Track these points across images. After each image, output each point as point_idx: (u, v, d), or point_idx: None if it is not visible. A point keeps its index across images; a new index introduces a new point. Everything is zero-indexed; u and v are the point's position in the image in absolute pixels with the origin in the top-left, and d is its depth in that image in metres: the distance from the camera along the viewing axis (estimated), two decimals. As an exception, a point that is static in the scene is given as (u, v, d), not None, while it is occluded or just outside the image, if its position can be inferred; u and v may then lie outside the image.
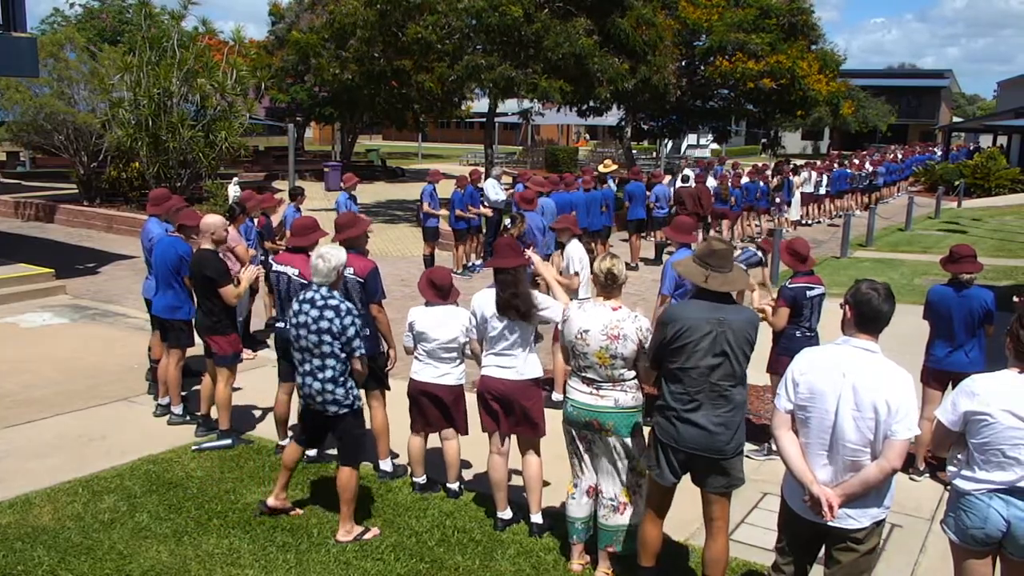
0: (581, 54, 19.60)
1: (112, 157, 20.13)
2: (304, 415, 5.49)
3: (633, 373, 4.77)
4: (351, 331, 5.14)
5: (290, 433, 6.45)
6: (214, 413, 7.06)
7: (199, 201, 18.75)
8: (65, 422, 7.39)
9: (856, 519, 3.78)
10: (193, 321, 7.20)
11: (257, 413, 7.61)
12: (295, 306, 5.24)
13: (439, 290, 5.70)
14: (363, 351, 5.26)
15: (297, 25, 28.51)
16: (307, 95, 32.58)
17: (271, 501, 5.60)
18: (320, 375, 5.20)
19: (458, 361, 5.80)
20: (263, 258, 10.22)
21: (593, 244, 13.60)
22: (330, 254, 5.19)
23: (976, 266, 6.49)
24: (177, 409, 7.40)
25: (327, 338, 5.12)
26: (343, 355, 5.18)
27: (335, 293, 5.21)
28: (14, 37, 12.73)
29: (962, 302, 6.42)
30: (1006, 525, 3.72)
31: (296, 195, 11.49)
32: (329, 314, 5.09)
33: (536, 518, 5.46)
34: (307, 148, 47.94)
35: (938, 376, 6.54)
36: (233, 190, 17.23)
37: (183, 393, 7.51)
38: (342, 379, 5.23)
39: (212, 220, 6.95)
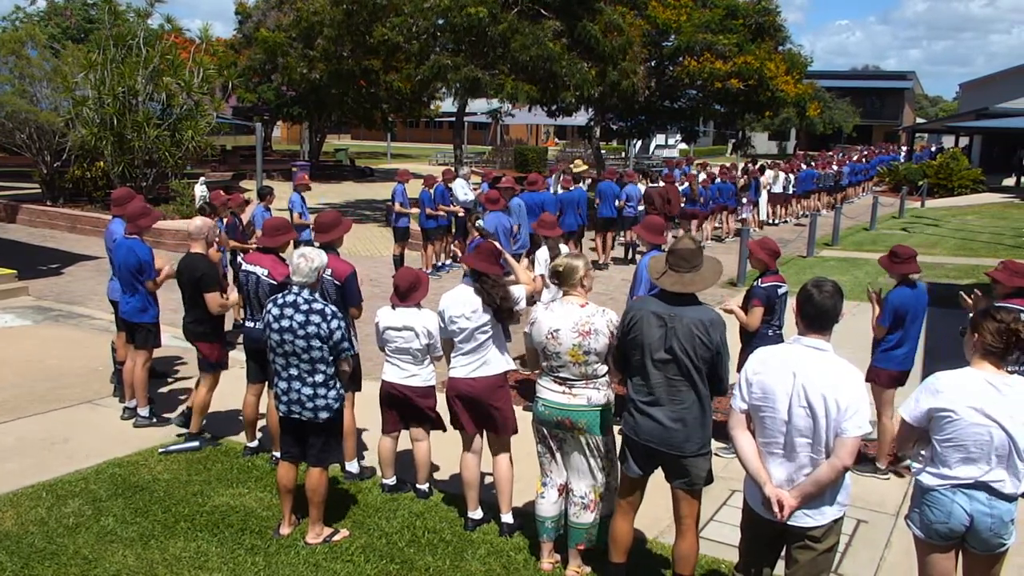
0: (548, 57, 19.61)
1: (76, 156, 19.85)
2: (287, 427, 5.33)
3: (605, 368, 4.80)
4: (338, 334, 5.08)
5: (277, 454, 6.23)
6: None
7: (165, 201, 18.56)
8: (27, 425, 7.27)
9: (812, 518, 3.82)
10: (157, 324, 7.11)
11: (225, 415, 7.54)
12: (274, 310, 5.12)
13: (396, 291, 5.68)
14: (351, 352, 5.23)
15: (264, 24, 28.26)
16: (274, 94, 32.36)
17: (284, 530, 5.43)
18: (310, 379, 5.11)
19: (425, 362, 5.78)
20: (230, 257, 10.14)
21: (558, 246, 13.62)
22: (312, 254, 5.13)
23: (917, 266, 6.64)
24: (144, 411, 7.31)
25: (316, 343, 5.04)
26: (331, 358, 5.14)
27: (316, 296, 5.14)
28: (-26, 34, 12.51)
29: (918, 302, 6.56)
30: (969, 520, 3.78)
31: (265, 195, 11.40)
32: (315, 318, 5.02)
33: (507, 518, 5.47)
34: (275, 148, 47.57)
35: (900, 377, 6.63)
36: (200, 190, 17.08)
37: (149, 395, 7.42)
38: (332, 382, 5.18)
39: (203, 223, 6.80)
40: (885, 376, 6.63)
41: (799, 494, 3.78)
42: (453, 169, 17.07)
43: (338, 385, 5.23)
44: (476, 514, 5.55)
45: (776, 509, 3.79)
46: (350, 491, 6.07)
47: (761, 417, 3.88)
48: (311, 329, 5.02)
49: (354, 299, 6.16)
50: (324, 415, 5.16)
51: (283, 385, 5.19)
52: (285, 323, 5.06)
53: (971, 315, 4.10)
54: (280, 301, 5.14)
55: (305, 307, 5.04)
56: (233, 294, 6.93)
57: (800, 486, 3.79)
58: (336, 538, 5.37)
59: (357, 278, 6.22)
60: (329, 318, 5.05)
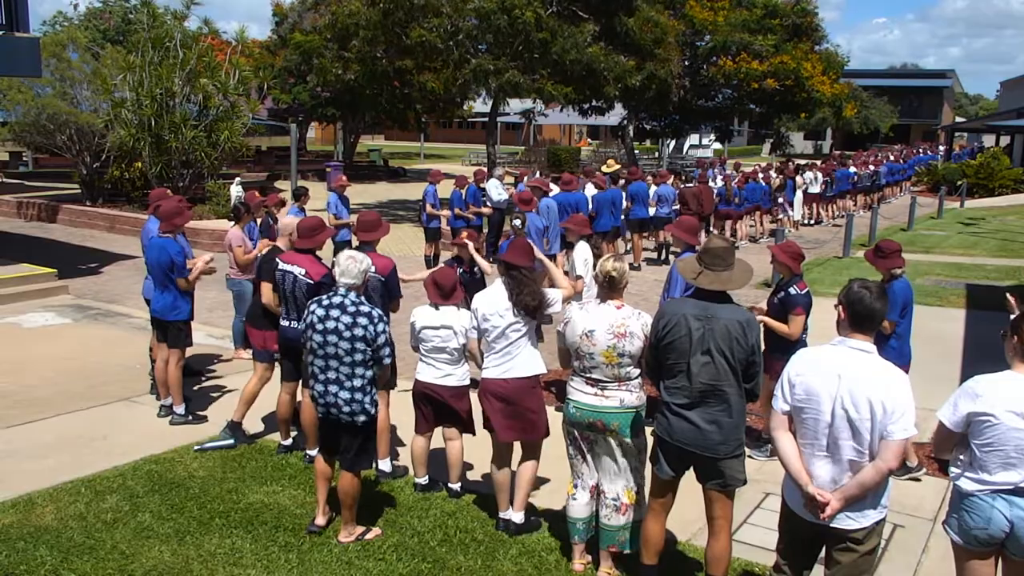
0: (588, 60, 19.55)
1: (114, 157, 20.14)
2: (324, 425, 5.35)
3: (638, 371, 4.78)
4: (382, 339, 5.08)
5: (311, 452, 6.35)
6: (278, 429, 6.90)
7: (201, 201, 18.78)
8: (66, 422, 7.39)
9: (855, 520, 3.78)
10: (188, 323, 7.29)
11: (259, 413, 7.60)
12: (319, 311, 5.12)
13: (440, 290, 5.70)
14: (391, 359, 5.24)
15: (300, 25, 28.54)
16: (309, 95, 32.61)
17: (320, 520, 5.48)
18: (348, 384, 5.11)
19: (460, 362, 5.79)
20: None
21: (602, 245, 13.62)
22: (359, 256, 5.18)
23: (902, 261, 6.60)
24: (179, 409, 7.40)
25: (360, 345, 5.04)
26: (371, 362, 5.14)
27: (362, 298, 5.16)
28: (17, 37, 12.74)
29: (911, 296, 6.60)
30: (1009, 526, 3.71)
31: (300, 195, 11.49)
32: (363, 321, 5.02)
33: (518, 516, 5.45)
34: (309, 148, 47.93)
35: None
36: (236, 190, 17.26)
37: (184, 393, 7.51)
38: (369, 387, 5.18)
39: (289, 221, 6.88)
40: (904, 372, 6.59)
41: (842, 496, 3.74)
42: (485, 169, 17.09)
43: (373, 390, 5.24)
44: (507, 514, 5.55)
45: (818, 510, 3.75)
46: (383, 490, 6.10)
47: (803, 419, 3.85)
48: (358, 332, 5.02)
49: (396, 292, 6.36)
50: (361, 418, 5.18)
51: (320, 388, 5.19)
52: (330, 324, 5.06)
53: (1012, 317, 4.03)
54: (326, 302, 5.14)
55: (352, 309, 5.05)
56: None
57: (843, 488, 3.74)
58: (368, 536, 5.39)
59: (397, 273, 6.37)
60: (376, 321, 5.06)
